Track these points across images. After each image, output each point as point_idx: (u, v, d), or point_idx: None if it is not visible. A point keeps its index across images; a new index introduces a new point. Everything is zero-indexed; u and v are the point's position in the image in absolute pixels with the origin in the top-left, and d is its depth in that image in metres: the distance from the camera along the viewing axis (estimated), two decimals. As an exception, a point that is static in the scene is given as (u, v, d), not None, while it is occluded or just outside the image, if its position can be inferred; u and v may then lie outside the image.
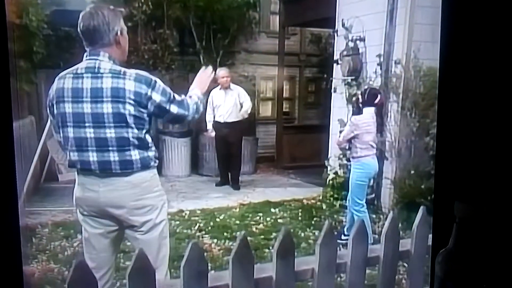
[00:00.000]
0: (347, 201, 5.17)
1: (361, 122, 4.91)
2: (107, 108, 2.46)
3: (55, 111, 2.56)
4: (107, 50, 2.54)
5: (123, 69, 2.53)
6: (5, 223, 0.91)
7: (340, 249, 2.06)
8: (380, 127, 5.36)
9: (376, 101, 5.00)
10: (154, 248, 2.62)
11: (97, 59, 2.51)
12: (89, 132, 2.49)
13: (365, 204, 5.03)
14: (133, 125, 2.49)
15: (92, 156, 2.51)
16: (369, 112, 4.96)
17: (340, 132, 6.90)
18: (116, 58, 2.57)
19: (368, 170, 4.99)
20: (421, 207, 2.12)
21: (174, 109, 2.61)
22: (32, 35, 7.27)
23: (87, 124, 2.48)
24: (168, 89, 2.61)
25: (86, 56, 2.55)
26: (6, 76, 0.88)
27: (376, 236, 4.36)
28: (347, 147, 4.97)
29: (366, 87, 5.95)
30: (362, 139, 4.89)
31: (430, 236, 1.73)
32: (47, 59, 7.84)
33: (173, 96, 2.62)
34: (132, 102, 2.47)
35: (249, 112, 8.17)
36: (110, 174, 2.54)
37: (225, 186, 8.13)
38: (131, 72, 2.53)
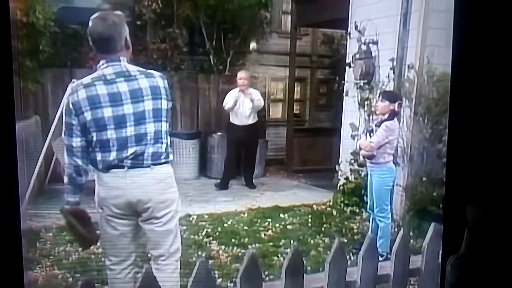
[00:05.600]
0: (369, 210, 5.04)
1: (396, 128, 4.90)
2: (148, 105, 2.70)
3: (87, 118, 2.63)
4: (122, 54, 2.72)
5: (146, 70, 2.80)
6: (5, 226, 0.88)
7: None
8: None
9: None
10: (170, 239, 2.84)
11: (120, 64, 2.70)
12: (130, 131, 2.67)
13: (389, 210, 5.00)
14: (165, 118, 2.79)
15: (127, 152, 2.67)
16: (397, 118, 4.98)
17: (352, 136, 6.84)
18: (129, 59, 2.77)
19: (393, 174, 4.99)
20: (432, 224, 2.10)
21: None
22: (39, 33, 7.13)
23: (128, 124, 2.67)
24: None
25: (108, 63, 2.68)
26: (9, 75, 0.85)
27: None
28: (374, 153, 4.83)
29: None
30: (392, 144, 4.90)
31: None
32: (53, 58, 7.74)
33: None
34: (165, 97, 2.77)
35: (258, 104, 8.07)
36: (136, 170, 2.70)
37: (231, 189, 8.09)
38: (153, 71, 2.83)
